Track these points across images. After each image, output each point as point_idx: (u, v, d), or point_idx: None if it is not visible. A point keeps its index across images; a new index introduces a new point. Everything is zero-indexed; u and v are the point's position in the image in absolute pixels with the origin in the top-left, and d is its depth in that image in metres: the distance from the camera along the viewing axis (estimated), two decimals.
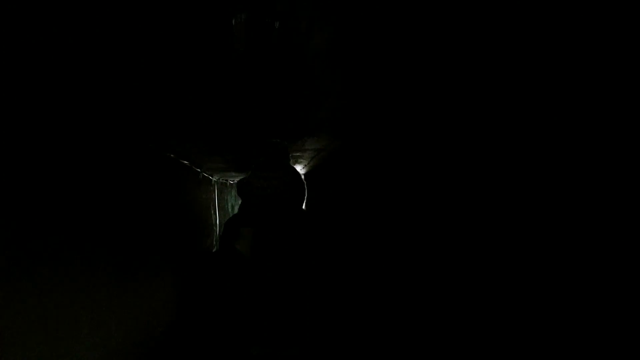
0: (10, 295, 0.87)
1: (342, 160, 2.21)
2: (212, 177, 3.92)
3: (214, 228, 4.03)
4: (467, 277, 0.90)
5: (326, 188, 3.24)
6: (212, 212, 3.95)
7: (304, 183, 1.84)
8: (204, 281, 2.27)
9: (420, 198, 1.17)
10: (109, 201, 1.45)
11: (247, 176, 1.93)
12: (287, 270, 1.70)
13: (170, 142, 1.86)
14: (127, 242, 1.60)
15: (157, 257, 1.98)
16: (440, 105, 1.02)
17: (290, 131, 1.68)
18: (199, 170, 3.20)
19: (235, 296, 1.87)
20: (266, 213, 1.76)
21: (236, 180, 5.44)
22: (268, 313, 1.74)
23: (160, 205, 2.07)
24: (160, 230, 2.04)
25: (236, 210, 5.54)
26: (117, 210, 1.52)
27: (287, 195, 1.72)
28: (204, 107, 1.22)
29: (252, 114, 1.35)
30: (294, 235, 1.75)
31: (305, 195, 1.84)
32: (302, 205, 1.81)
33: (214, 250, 3.96)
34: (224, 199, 4.82)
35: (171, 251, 2.27)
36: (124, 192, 1.59)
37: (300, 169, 4.04)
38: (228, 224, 1.99)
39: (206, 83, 0.96)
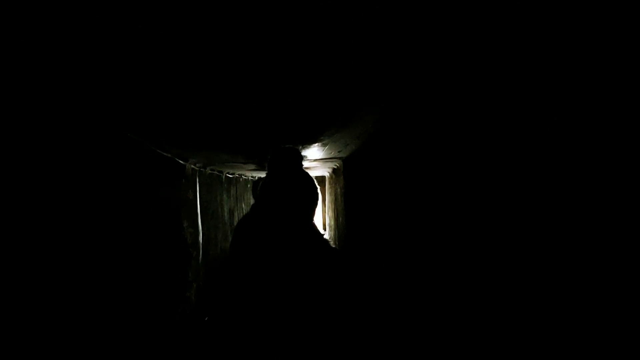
0: None
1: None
2: (184, 161, 2.26)
3: (192, 251, 2.36)
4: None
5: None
6: (187, 222, 2.29)
7: (317, 188, 1.73)
8: None
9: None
10: None
11: (264, 177, 1.75)
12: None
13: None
14: None
15: None
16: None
17: None
18: (142, 141, 1.56)
19: None
20: (280, 219, 1.56)
21: (237, 173, 3.84)
22: None
23: None
24: None
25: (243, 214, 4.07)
26: None
27: (301, 201, 1.60)
28: None
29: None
30: (310, 248, 1.55)
31: (317, 203, 1.71)
32: (314, 212, 1.72)
33: (192, 292, 2.29)
34: (215, 201, 3.16)
35: None
36: None
37: (337, 150, 2.35)
38: (239, 228, 1.61)
39: None
